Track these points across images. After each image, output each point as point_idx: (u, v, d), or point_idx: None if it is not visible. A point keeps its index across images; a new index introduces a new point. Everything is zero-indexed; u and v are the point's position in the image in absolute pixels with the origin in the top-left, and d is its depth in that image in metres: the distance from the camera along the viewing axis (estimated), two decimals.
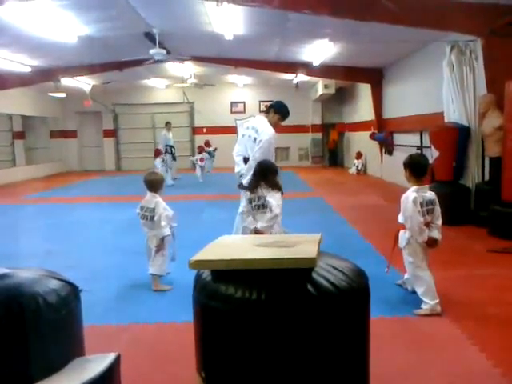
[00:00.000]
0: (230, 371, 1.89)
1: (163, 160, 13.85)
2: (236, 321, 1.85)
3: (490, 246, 5.85)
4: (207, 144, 15.78)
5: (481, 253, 5.69)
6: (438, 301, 3.85)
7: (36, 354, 1.81)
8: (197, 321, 2.03)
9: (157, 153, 14.27)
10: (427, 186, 4.11)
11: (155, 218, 4.49)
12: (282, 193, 4.44)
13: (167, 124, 15.11)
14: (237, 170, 5.24)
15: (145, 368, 3.06)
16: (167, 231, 4.50)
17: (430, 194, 4.00)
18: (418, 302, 3.98)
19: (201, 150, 15.19)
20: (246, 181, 4.95)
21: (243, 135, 5.27)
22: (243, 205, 4.54)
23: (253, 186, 4.43)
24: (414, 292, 4.13)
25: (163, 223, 4.47)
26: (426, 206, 3.91)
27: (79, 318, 2.10)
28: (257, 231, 4.26)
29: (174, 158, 14.71)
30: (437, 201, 4.00)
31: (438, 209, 3.98)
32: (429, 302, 3.85)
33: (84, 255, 5.98)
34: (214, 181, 14.01)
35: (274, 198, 4.30)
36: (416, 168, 4.02)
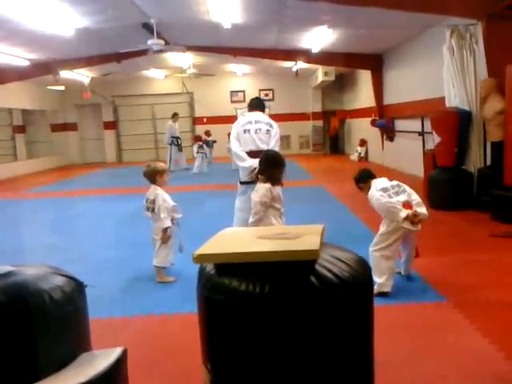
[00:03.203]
0: (235, 363, 1.91)
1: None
2: (240, 314, 1.86)
3: (493, 230, 5.86)
4: (207, 133, 15.68)
5: (483, 237, 5.69)
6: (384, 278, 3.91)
7: (43, 350, 1.82)
8: (201, 314, 2.04)
9: (196, 139, 14.69)
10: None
11: (155, 210, 4.52)
12: (282, 184, 4.31)
13: (174, 115, 15.09)
14: (247, 164, 5.18)
15: (151, 360, 3.08)
16: (167, 223, 4.51)
17: (391, 181, 4.14)
18: (419, 289, 4.02)
19: (197, 139, 15.01)
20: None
21: (245, 130, 5.32)
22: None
23: (257, 175, 4.28)
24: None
25: (163, 215, 4.48)
26: (392, 189, 4.02)
27: (85, 314, 2.11)
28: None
29: (180, 149, 14.72)
30: (402, 183, 4.13)
31: (407, 188, 4.07)
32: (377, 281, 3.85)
33: (87, 248, 6.00)
34: (217, 170, 14.02)
35: (256, 194, 4.05)
36: (371, 176, 4.22)
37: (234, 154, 5.35)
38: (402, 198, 3.96)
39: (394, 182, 4.12)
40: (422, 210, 3.96)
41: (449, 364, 2.90)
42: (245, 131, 5.31)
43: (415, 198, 4.01)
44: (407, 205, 3.94)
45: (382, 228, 4.03)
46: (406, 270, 4.34)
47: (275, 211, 4.12)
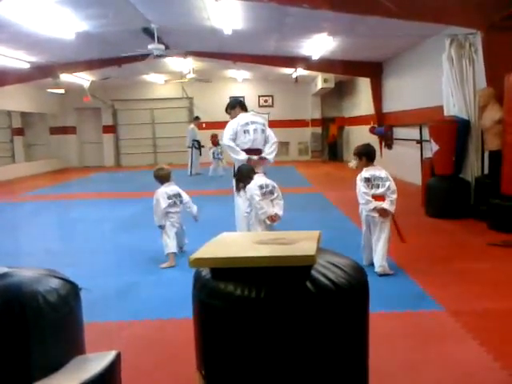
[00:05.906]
0: (229, 369, 1.90)
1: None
2: (235, 319, 1.85)
3: (490, 239, 5.85)
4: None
5: (481, 246, 5.69)
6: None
7: (36, 352, 1.81)
8: (196, 319, 2.03)
9: (213, 141, 14.67)
10: (377, 166, 4.73)
11: (184, 201, 5.30)
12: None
13: (196, 118, 15.16)
14: (242, 157, 5.64)
15: (146, 365, 3.06)
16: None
17: (380, 172, 4.62)
18: (416, 297, 4.00)
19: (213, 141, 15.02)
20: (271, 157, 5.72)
21: (245, 131, 5.73)
22: (256, 193, 4.84)
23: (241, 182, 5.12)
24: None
25: (191, 201, 5.40)
26: (374, 181, 4.56)
27: (79, 317, 2.10)
28: (273, 216, 4.78)
29: (200, 153, 14.77)
30: (389, 177, 4.61)
31: (389, 184, 4.57)
32: None
33: (84, 252, 5.98)
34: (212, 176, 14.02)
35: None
36: (370, 155, 4.76)
37: (228, 148, 5.78)
38: (378, 191, 4.51)
39: (382, 175, 4.59)
40: (390, 206, 4.51)
41: (445, 373, 2.88)
42: (245, 131, 5.74)
43: (393, 196, 4.53)
44: (380, 197, 4.52)
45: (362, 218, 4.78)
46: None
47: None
